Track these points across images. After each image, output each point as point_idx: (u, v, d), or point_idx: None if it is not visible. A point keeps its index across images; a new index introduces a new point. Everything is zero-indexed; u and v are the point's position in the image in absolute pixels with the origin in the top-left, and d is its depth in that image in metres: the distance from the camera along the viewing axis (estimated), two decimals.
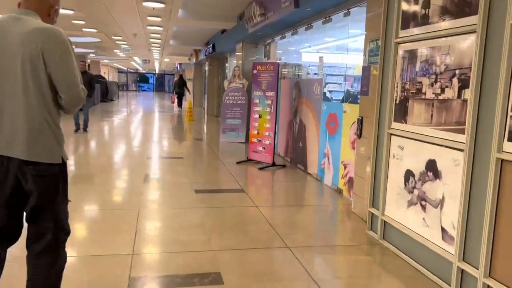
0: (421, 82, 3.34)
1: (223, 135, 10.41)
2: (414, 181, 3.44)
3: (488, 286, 2.68)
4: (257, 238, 3.90)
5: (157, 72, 49.69)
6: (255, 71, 7.76)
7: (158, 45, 18.91)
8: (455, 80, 2.97)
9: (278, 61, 8.34)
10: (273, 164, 7.23)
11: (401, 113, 3.60)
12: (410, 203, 3.50)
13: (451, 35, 3.03)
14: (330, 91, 9.82)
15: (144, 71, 51.08)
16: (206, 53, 16.37)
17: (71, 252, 3.29)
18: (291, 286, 3.02)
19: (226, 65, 15.95)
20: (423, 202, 3.32)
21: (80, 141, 9.50)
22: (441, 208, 3.12)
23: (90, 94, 10.51)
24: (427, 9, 3.30)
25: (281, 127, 8.18)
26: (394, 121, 3.72)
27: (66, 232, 2.25)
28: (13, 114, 2.01)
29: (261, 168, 7.06)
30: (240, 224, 4.28)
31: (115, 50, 22.38)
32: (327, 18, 6.39)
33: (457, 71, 2.96)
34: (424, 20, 3.33)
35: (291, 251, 3.60)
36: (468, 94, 2.84)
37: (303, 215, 4.75)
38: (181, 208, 4.73)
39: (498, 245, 2.64)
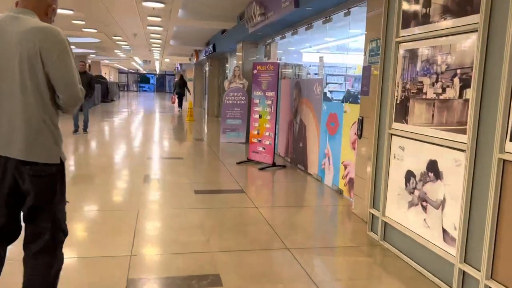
0: (422, 82, 3.31)
1: (223, 136, 10.38)
2: (415, 181, 3.41)
3: None
4: (256, 239, 3.87)
5: (157, 72, 49.68)
6: (255, 71, 7.73)
7: (159, 45, 18.89)
8: (456, 80, 2.94)
9: (278, 61, 8.30)
10: (273, 165, 7.20)
11: (402, 113, 3.57)
12: (411, 204, 3.47)
13: (452, 34, 3.00)
14: (330, 91, 9.79)
15: (145, 72, 51.09)
16: (207, 53, 16.35)
17: (69, 253, 3.27)
18: None
19: (227, 65, 15.92)
20: (424, 203, 3.29)
21: (80, 142, 9.48)
22: (442, 209, 3.09)
23: (90, 95, 10.48)
24: (428, 8, 3.27)
25: (281, 127, 8.15)
26: (394, 121, 3.69)
27: (64, 233, 2.23)
28: (10, 113, 2.00)
29: (261, 169, 7.03)
30: (240, 225, 4.25)
31: (116, 51, 22.36)
32: (328, 18, 6.36)
33: (458, 71, 2.92)
34: (425, 19, 3.30)
35: (290, 252, 3.57)
36: (469, 93, 2.80)
37: (303, 216, 4.72)
38: (180, 209, 4.70)
39: (500, 246, 2.61)
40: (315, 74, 9.29)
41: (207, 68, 19.26)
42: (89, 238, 3.81)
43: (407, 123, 3.50)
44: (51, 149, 2.08)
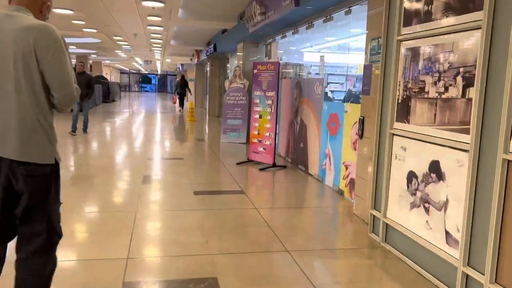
0: (424, 81, 3.24)
1: (224, 136, 10.33)
2: (417, 182, 3.35)
3: None
4: (255, 241, 3.81)
5: (159, 72, 49.69)
6: (255, 71, 7.67)
7: (159, 45, 18.85)
8: (459, 78, 2.87)
9: (278, 61, 8.24)
10: (274, 165, 7.14)
11: (403, 112, 3.50)
12: (413, 205, 3.40)
13: (455, 32, 2.93)
14: (332, 91, 9.73)
15: (146, 72, 51.10)
16: (208, 53, 16.31)
17: (63, 254, 3.21)
18: None
19: (228, 65, 15.88)
20: (426, 204, 3.22)
21: (80, 142, 9.43)
22: (445, 211, 3.02)
23: (89, 95, 10.42)
24: (430, 6, 3.20)
25: (282, 127, 8.09)
26: (396, 121, 3.62)
27: (58, 234, 2.20)
28: (5, 112, 1.98)
29: (261, 169, 6.97)
30: (239, 227, 4.19)
31: (117, 51, 22.33)
32: (328, 17, 6.30)
33: (461, 69, 2.86)
34: (427, 16, 3.23)
35: (290, 254, 3.51)
36: (472, 92, 2.73)
37: (303, 217, 4.66)
38: (179, 210, 4.64)
39: (505, 249, 2.54)
40: (316, 74, 9.22)
41: (208, 68, 19.22)
42: (85, 240, 3.75)
43: (408, 122, 3.44)
44: (46, 149, 2.05)
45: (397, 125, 3.60)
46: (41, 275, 2.12)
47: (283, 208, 4.99)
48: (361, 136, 4.52)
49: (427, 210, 3.21)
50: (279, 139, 8.20)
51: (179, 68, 33.45)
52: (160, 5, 9.23)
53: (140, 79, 53.88)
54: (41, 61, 1.97)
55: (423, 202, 3.26)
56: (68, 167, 6.77)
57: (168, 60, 28.31)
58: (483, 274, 2.65)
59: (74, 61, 20.71)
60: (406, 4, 3.50)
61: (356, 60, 7.52)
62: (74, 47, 19.09)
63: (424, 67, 3.25)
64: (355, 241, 3.96)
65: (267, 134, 7.35)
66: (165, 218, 4.43)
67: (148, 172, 6.52)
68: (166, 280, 3.00)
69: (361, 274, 3.27)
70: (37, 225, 2.08)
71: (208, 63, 18.62)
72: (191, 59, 23.59)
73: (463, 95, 2.83)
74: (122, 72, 50.25)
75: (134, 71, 51.31)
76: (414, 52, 3.38)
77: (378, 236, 3.86)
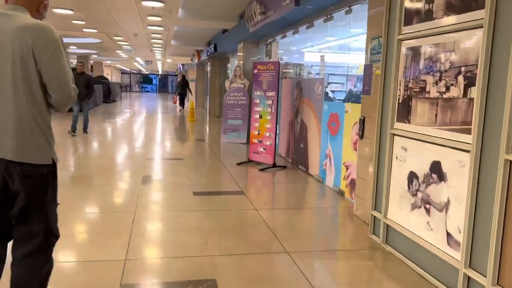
0: (425, 80, 3.21)
1: (224, 136, 10.30)
2: (418, 183, 3.31)
3: None
4: (255, 243, 3.77)
5: (160, 73, 49.68)
6: (255, 71, 7.64)
7: (160, 45, 18.83)
8: (460, 78, 2.84)
9: (279, 61, 8.21)
10: (274, 165, 7.11)
11: (404, 112, 3.47)
12: (414, 206, 3.36)
13: (456, 31, 2.90)
14: (332, 91, 9.69)
15: (147, 72, 51.10)
16: (208, 54, 16.28)
17: (61, 256, 3.18)
18: None
19: (228, 65, 15.85)
20: (427, 205, 3.18)
21: (80, 142, 9.41)
22: (446, 212, 2.98)
23: (89, 96, 10.40)
24: (431, 4, 3.17)
25: (282, 128, 8.06)
26: (396, 121, 3.59)
27: (55, 235, 2.18)
28: (1, 112, 1.96)
29: (261, 169, 6.93)
30: (238, 228, 4.16)
31: (117, 51, 22.32)
32: (329, 16, 6.26)
33: (462, 68, 2.82)
34: (428, 15, 3.20)
35: (290, 256, 3.47)
36: (474, 92, 2.70)
37: (304, 218, 4.62)
38: (178, 211, 4.61)
39: (507, 251, 2.50)
40: (317, 74, 9.19)
41: (208, 68, 19.20)
42: (83, 240, 3.72)
43: (409, 123, 3.40)
44: (43, 149, 2.03)
45: (398, 125, 3.57)
46: (38, 276, 2.10)
47: (283, 209, 4.96)
48: (361, 136, 4.48)
49: (428, 211, 3.18)
50: (280, 139, 8.17)
51: (180, 68, 33.44)
52: (160, 5, 9.21)
53: (141, 79, 53.88)
54: (39, 61, 1.96)
55: (424, 203, 3.22)
56: (68, 167, 6.74)
57: (169, 60, 28.30)
58: (485, 276, 2.61)
59: (75, 61, 20.73)
60: (407, 3, 3.46)
61: (357, 60, 7.49)
62: (75, 47, 19.08)
63: (425, 67, 3.21)
64: (356, 242, 3.93)
65: (267, 134, 7.32)
66: (164, 219, 4.40)
67: (148, 173, 6.49)
68: (165, 282, 2.97)
69: (361, 276, 3.23)
70: (34, 226, 2.06)
71: (209, 63, 18.60)
72: (191, 59, 23.57)
73: (465, 94, 2.80)
74: (123, 72, 50.26)
75: (135, 71, 51.32)
76: (415, 52, 3.34)
77: (379, 237, 3.82)
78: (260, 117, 7.49)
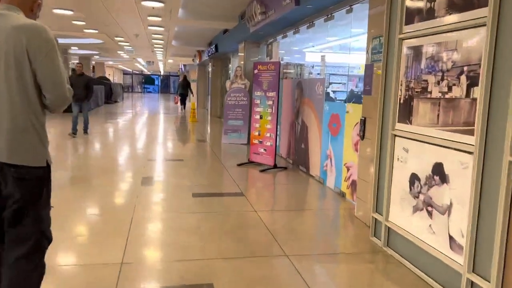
0: (426, 80, 3.14)
1: (225, 137, 10.24)
2: (419, 185, 3.24)
3: None
4: (254, 246, 3.71)
5: (162, 73, 49.69)
6: (256, 71, 7.57)
7: (161, 45, 18.81)
8: (463, 78, 2.77)
9: (279, 61, 8.15)
10: (275, 166, 7.04)
11: (406, 113, 3.40)
12: (416, 209, 3.29)
13: (458, 30, 2.83)
14: (334, 91, 9.63)
15: (149, 73, 51.12)
16: (209, 54, 16.24)
17: (55, 259, 3.13)
18: None
19: (229, 65, 15.80)
20: (429, 208, 3.12)
21: (80, 143, 9.37)
22: (448, 215, 2.92)
23: (89, 97, 10.36)
24: (432, 3, 3.10)
25: (283, 128, 8.00)
26: (398, 121, 3.52)
27: (48, 239, 2.15)
28: None
29: (262, 171, 6.87)
30: (237, 230, 4.09)
31: (119, 52, 22.31)
32: (329, 16, 6.20)
33: (465, 68, 2.75)
34: (429, 14, 3.13)
35: (289, 259, 3.41)
36: (477, 92, 2.63)
37: (304, 220, 4.55)
38: (177, 213, 4.55)
39: (511, 255, 2.43)
40: (317, 74, 9.13)
41: (210, 69, 19.16)
42: (78, 243, 3.66)
43: (411, 123, 3.33)
44: (37, 151, 2.01)
45: (399, 126, 3.50)
46: (30, 279, 2.07)
47: (283, 211, 4.90)
48: (362, 137, 4.42)
49: (430, 213, 3.11)
50: (280, 140, 8.11)
51: (181, 68, 33.41)
52: (160, 5, 9.16)
53: (143, 80, 53.91)
54: (34, 61, 1.94)
55: (426, 206, 3.16)
56: (68, 168, 6.69)
57: (170, 60, 28.28)
58: (489, 282, 2.55)
59: (76, 61, 20.71)
60: (408, 2, 3.40)
61: (358, 60, 7.43)
62: (76, 48, 19.07)
63: (427, 66, 3.14)
64: (356, 245, 3.86)
65: (268, 135, 7.25)
66: (162, 221, 4.34)
67: (148, 174, 6.43)
68: (161, 287, 2.91)
69: (361, 280, 3.17)
70: (27, 229, 2.03)
71: (210, 64, 18.55)
72: (193, 60, 23.54)
73: (467, 95, 2.73)
74: (125, 73, 50.32)
75: (137, 72, 51.37)
76: (417, 51, 3.28)
77: (380, 240, 3.76)
78: (261, 117, 7.43)
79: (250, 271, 3.20)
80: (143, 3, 9.07)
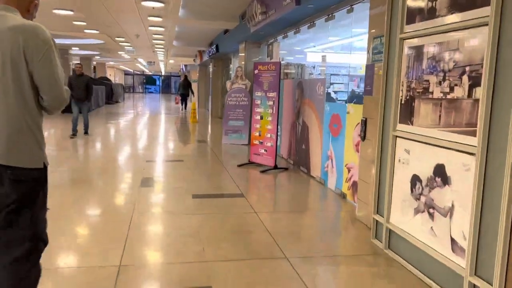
0: (428, 81, 3.10)
1: (225, 137, 10.21)
2: (421, 187, 3.20)
3: None
4: (253, 248, 3.67)
5: (163, 74, 49.71)
6: (256, 71, 7.54)
7: (162, 46, 18.80)
8: (465, 78, 2.73)
9: (279, 61, 8.11)
10: (275, 167, 7.01)
11: (407, 114, 3.36)
12: (417, 211, 3.25)
13: (460, 29, 2.79)
14: (335, 92, 9.60)
15: (150, 73, 51.13)
16: (210, 54, 16.21)
17: (51, 262, 3.09)
18: None
19: (230, 65, 15.77)
20: (431, 210, 3.08)
21: (80, 144, 9.34)
22: (450, 217, 2.88)
23: (89, 97, 10.34)
24: (434, 2, 3.06)
25: (284, 129, 7.96)
26: (399, 122, 3.48)
27: (44, 242, 2.13)
28: None
29: (262, 171, 6.84)
30: (237, 232, 4.05)
31: (120, 52, 22.31)
32: (330, 16, 6.16)
33: (467, 68, 2.71)
34: (431, 13, 3.09)
35: (289, 262, 3.37)
36: (479, 92, 2.59)
37: (304, 222, 4.51)
38: (176, 214, 4.52)
39: None
40: (318, 74, 9.10)
41: (211, 69, 19.14)
42: (76, 245, 3.62)
43: (412, 124, 3.29)
44: (34, 152, 1.99)
45: (401, 126, 3.46)
46: (26, 282, 2.05)
47: (283, 212, 4.86)
48: (363, 138, 4.38)
49: (431, 216, 3.07)
50: (281, 140, 8.07)
51: (182, 69, 33.39)
52: (160, 5, 9.13)
53: (144, 80, 53.94)
54: (31, 62, 1.92)
55: (428, 208, 3.12)
56: (67, 168, 6.66)
57: (171, 61, 28.26)
58: (491, 285, 2.50)
59: (77, 62, 20.70)
60: (409, 1, 3.36)
61: (359, 60, 7.40)
62: (77, 48, 19.07)
63: (428, 66, 3.10)
64: (358, 247, 3.82)
65: (269, 135, 7.22)
66: (161, 223, 4.31)
67: (147, 175, 6.40)
68: None
69: (362, 283, 3.12)
70: (22, 231, 2.01)
71: (211, 64, 18.52)
72: (194, 60, 23.52)
73: (470, 95, 2.69)
74: (126, 73, 50.35)
75: (138, 72, 51.39)
76: (418, 51, 3.24)
77: (381, 242, 3.72)
78: (261, 118, 7.40)
79: (250, 274, 3.17)
80: (143, 3, 9.05)
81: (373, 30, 4.19)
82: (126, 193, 5.45)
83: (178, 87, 21.96)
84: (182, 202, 4.99)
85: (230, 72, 15.63)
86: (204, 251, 3.53)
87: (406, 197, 3.40)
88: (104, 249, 3.51)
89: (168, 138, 11.20)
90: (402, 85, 3.43)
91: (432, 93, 3.05)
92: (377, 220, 3.83)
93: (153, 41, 16.69)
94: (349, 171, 5.29)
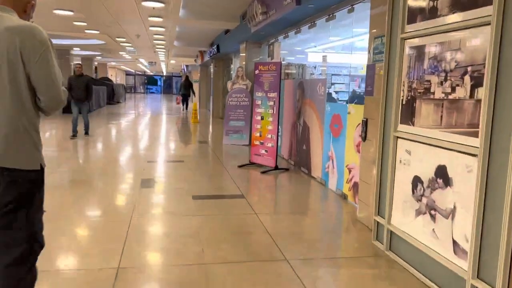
0: (429, 81, 3.07)
1: (226, 138, 10.18)
2: (422, 188, 3.17)
3: None
4: (253, 250, 3.64)
5: (164, 74, 49.72)
6: (257, 71, 7.50)
7: (163, 46, 18.78)
8: (467, 78, 2.70)
9: (280, 61, 8.08)
10: (276, 168, 6.98)
11: (408, 114, 3.32)
12: (418, 212, 3.22)
13: (462, 29, 2.76)
14: (336, 92, 9.57)
15: (151, 73, 51.15)
16: (211, 54, 16.19)
17: (49, 263, 3.07)
18: None
19: (231, 66, 15.75)
20: (433, 212, 3.04)
21: (81, 145, 9.33)
22: (452, 219, 2.84)
23: (89, 98, 10.32)
24: (435, 1, 3.03)
25: (284, 129, 7.93)
26: (400, 123, 3.45)
27: (40, 244, 2.11)
28: None
29: (263, 172, 6.81)
30: (237, 234, 4.02)
31: (121, 52, 22.30)
32: (331, 16, 6.13)
33: (469, 68, 2.68)
34: (432, 13, 3.06)
35: (289, 264, 3.34)
36: (481, 93, 2.56)
37: (305, 224, 4.48)
38: (175, 216, 4.49)
39: None
40: (319, 74, 9.07)
41: (212, 69, 19.12)
42: (74, 247, 3.59)
43: (413, 125, 3.26)
44: (31, 153, 1.98)
45: (402, 127, 3.43)
46: (22, 284, 2.03)
47: (284, 214, 4.83)
48: (364, 138, 4.34)
49: (433, 217, 3.04)
50: (282, 141, 8.04)
51: (184, 69, 33.40)
52: (161, 5, 9.11)
53: (146, 81, 53.95)
54: (28, 63, 1.91)
55: (429, 209, 3.08)
56: (67, 169, 6.64)
57: (172, 61, 28.25)
58: None
59: (79, 62, 20.71)
60: (410, 1, 3.32)
61: (360, 60, 7.37)
62: (79, 48, 19.07)
63: (430, 66, 3.07)
64: (359, 249, 3.79)
65: (269, 136, 7.18)
66: (161, 224, 4.28)
67: (147, 176, 6.37)
68: None
69: (363, 285, 3.09)
70: (18, 234, 2.00)
71: (212, 64, 18.50)
72: (195, 60, 23.51)
73: (471, 95, 2.66)
74: (127, 73, 50.38)
75: (139, 73, 51.41)
76: (419, 51, 3.20)
77: (382, 244, 3.68)
78: (262, 118, 7.36)
79: (249, 276, 3.14)
80: (144, 3, 9.03)
81: (374, 30, 4.16)
82: (126, 193, 5.42)
83: (180, 88, 21.96)
84: (182, 203, 4.96)
85: (231, 72, 15.60)
86: (204, 252, 3.50)
87: (407, 198, 3.36)
88: (102, 250, 3.48)
89: (169, 139, 11.17)
90: (403, 85, 3.40)
91: (433, 93, 3.02)
92: (378, 222, 3.80)
93: (154, 41, 16.67)
94: (350, 171, 5.26)
